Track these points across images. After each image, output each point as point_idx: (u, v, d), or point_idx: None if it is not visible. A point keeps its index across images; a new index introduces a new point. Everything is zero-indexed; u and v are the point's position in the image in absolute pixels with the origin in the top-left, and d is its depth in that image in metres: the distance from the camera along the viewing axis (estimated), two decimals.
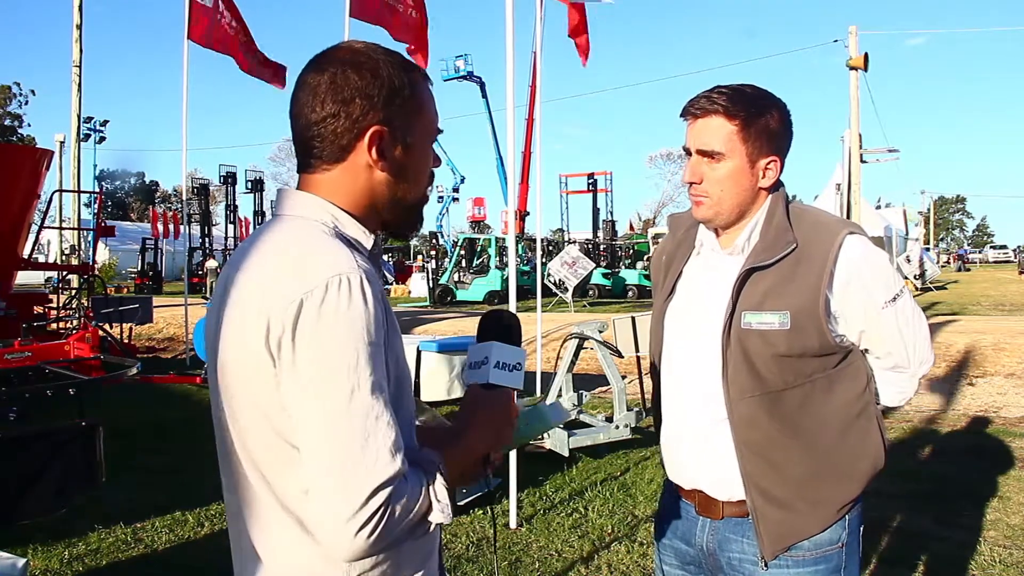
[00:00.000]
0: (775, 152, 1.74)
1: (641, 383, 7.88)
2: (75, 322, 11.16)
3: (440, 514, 1.14)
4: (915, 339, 1.76)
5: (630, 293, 27.81)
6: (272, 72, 11.28)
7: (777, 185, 1.78)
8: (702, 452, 1.79)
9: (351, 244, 1.20)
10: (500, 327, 1.36)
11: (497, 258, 25.18)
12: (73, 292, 12.99)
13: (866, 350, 1.79)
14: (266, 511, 1.19)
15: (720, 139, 1.70)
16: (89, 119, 40.72)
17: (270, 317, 1.10)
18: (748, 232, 1.76)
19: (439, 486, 1.15)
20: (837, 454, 1.74)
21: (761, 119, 1.71)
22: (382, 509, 1.05)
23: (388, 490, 1.06)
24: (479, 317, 1.42)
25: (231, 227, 36.24)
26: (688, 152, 1.77)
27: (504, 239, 23.65)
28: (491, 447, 1.30)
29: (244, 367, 1.14)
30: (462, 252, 26.82)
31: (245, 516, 1.23)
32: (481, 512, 4.69)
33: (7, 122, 57.74)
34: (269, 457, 1.16)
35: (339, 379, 1.07)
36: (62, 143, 19.96)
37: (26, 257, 10.08)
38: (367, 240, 1.24)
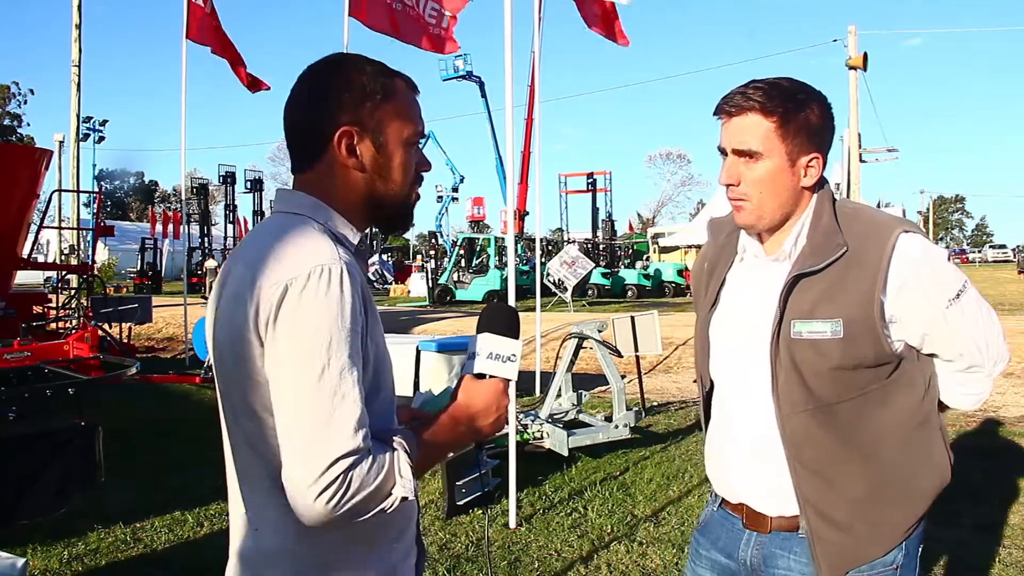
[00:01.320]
0: (816, 149, 1.63)
1: (640, 383, 7.88)
2: (74, 322, 11.14)
3: (402, 489, 1.21)
4: (987, 336, 1.64)
5: (629, 293, 27.85)
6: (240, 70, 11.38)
7: (821, 183, 1.67)
8: (750, 467, 1.71)
9: (338, 239, 1.30)
10: (496, 319, 1.41)
11: (496, 258, 25.16)
12: (72, 292, 12.96)
13: (933, 354, 1.67)
14: (261, 484, 1.26)
15: (757, 138, 1.60)
16: (88, 119, 40.62)
17: (259, 301, 1.20)
18: (795, 236, 1.65)
19: (403, 463, 1.21)
20: (899, 470, 1.64)
21: (800, 114, 1.60)
22: (340, 479, 1.13)
23: (347, 462, 1.14)
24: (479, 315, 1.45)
25: (230, 227, 36.24)
26: (723, 152, 1.66)
27: (503, 239, 23.63)
28: (476, 432, 1.37)
29: (238, 347, 1.23)
30: (461, 252, 26.80)
31: (244, 491, 1.31)
32: (481, 512, 4.69)
33: (6, 122, 57.72)
34: (263, 432, 1.24)
35: (312, 359, 1.16)
36: (61, 143, 19.97)
37: (25, 257, 10.05)
38: (354, 236, 1.34)
